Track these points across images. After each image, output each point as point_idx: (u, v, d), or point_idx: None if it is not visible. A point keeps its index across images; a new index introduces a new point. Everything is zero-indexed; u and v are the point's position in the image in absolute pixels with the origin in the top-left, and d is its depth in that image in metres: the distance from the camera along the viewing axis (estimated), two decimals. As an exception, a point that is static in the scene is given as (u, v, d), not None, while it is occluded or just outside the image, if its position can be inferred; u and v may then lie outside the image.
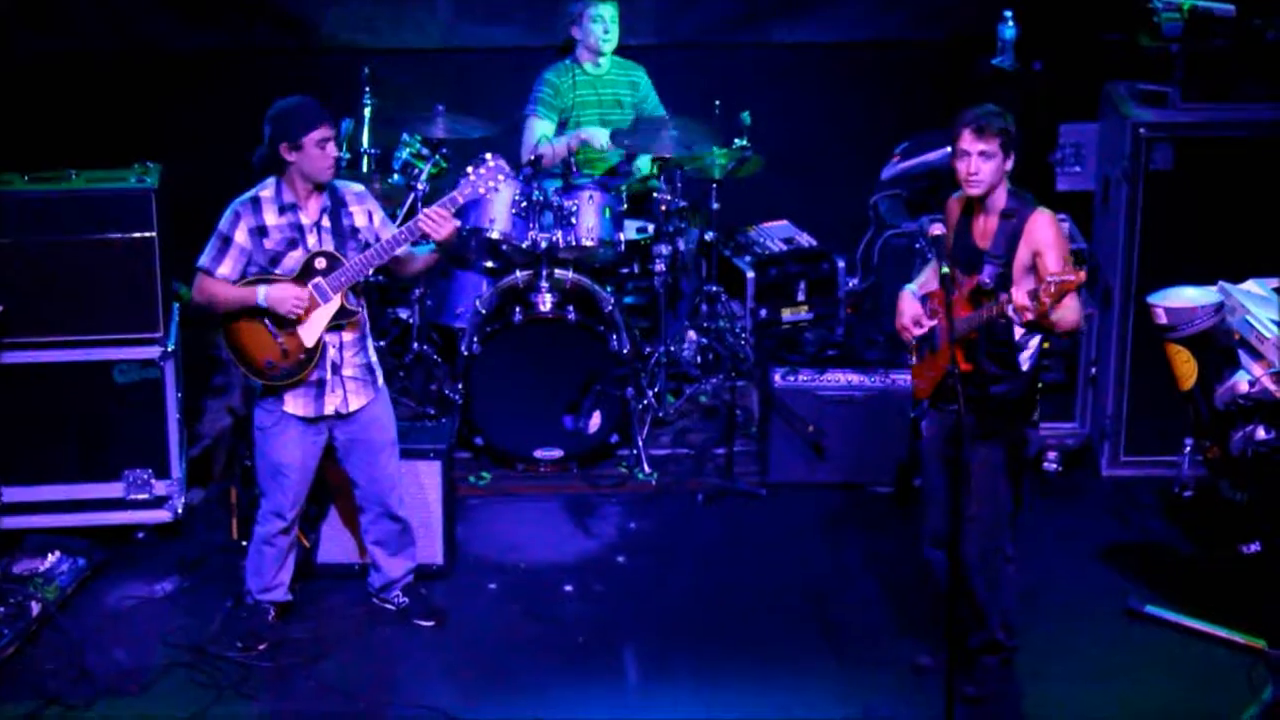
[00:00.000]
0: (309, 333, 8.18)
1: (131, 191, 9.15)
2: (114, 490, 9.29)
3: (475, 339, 9.92)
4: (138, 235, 9.13)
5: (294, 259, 8.16)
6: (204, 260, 8.18)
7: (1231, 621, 8.51)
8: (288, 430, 8.33)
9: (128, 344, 9.18)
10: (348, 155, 10.36)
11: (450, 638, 8.73)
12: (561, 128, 10.59)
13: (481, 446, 10.03)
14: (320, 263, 8.15)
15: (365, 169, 10.37)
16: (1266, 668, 8.24)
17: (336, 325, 8.22)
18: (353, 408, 8.34)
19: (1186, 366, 8.27)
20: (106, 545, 9.23)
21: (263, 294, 8.11)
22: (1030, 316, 7.39)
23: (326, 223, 8.18)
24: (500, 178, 8.39)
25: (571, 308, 9.88)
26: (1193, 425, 8.42)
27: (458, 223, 8.24)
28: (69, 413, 9.20)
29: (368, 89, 10.47)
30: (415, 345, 10.31)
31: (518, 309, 9.88)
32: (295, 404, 8.29)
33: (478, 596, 9.04)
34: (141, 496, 9.32)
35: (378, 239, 8.21)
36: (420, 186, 10.09)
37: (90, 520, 9.27)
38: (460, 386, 9.95)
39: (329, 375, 8.26)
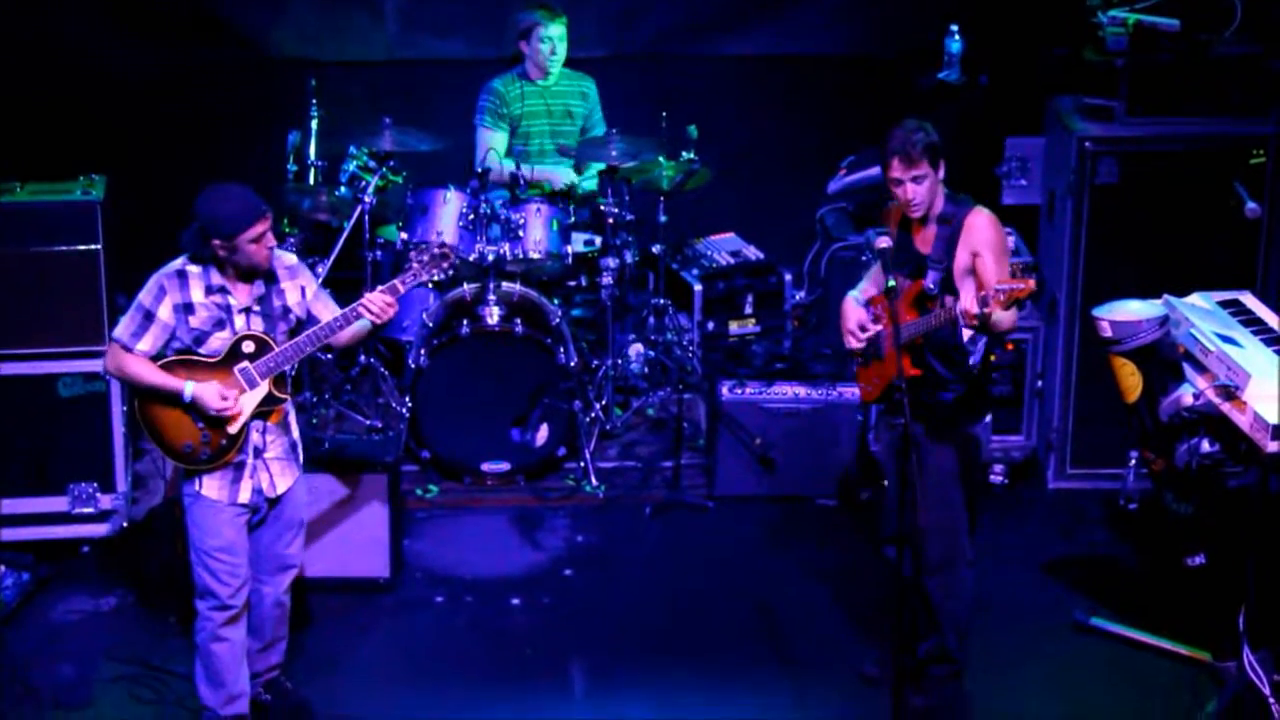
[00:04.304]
0: (233, 420, 7.64)
1: (76, 204, 9.12)
2: (59, 504, 9.26)
3: (422, 352, 9.90)
4: (82, 248, 9.10)
5: (220, 340, 7.60)
6: (121, 333, 7.60)
7: (1177, 634, 8.55)
8: (211, 511, 7.75)
9: (72, 357, 9.14)
10: (294, 167, 10.35)
11: (397, 651, 8.71)
12: (512, 135, 10.59)
13: (429, 459, 10.01)
14: (248, 346, 7.60)
15: (312, 181, 10.35)
16: (1211, 679, 8.29)
17: (262, 413, 7.69)
18: (280, 490, 7.80)
19: (1131, 379, 8.30)
20: (51, 559, 9.20)
21: (190, 390, 7.53)
22: (975, 322, 7.43)
23: (257, 306, 7.63)
24: (445, 265, 7.75)
25: (519, 320, 9.87)
26: (1138, 438, 8.44)
27: (396, 308, 7.67)
28: (13, 426, 9.16)
29: (314, 101, 10.43)
30: (362, 358, 10.28)
31: (465, 322, 9.87)
32: (211, 487, 7.70)
33: (424, 609, 9.02)
34: (86, 510, 9.28)
35: (309, 315, 7.75)
36: (367, 199, 10.08)
37: (35, 534, 9.23)
38: (407, 399, 9.93)
39: (250, 459, 7.70)
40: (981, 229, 7.73)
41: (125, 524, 9.35)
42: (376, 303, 7.62)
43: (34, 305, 9.10)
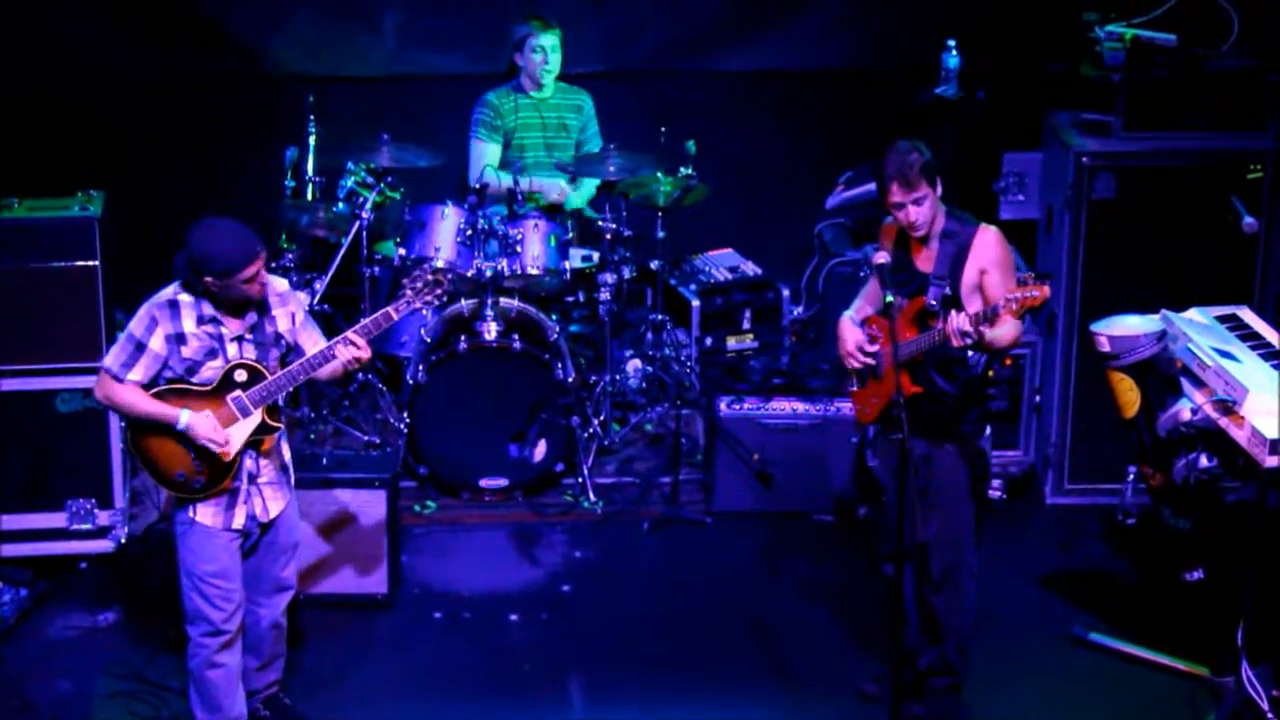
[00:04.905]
0: (227, 448, 7.60)
1: (74, 220, 9.12)
2: (57, 520, 9.25)
3: (420, 368, 9.90)
4: (80, 264, 9.10)
5: (213, 369, 7.54)
6: (111, 363, 7.55)
7: (1174, 649, 8.54)
8: (205, 537, 7.70)
9: (71, 373, 9.13)
10: (292, 183, 10.35)
11: (395, 667, 8.71)
12: (506, 148, 10.60)
13: (427, 475, 10.01)
14: (241, 375, 7.54)
15: (310, 197, 10.34)
16: (1210, 694, 8.29)
17: (254, 441, 7.64)
18: (272, 514, 7.78)
19: (1130, 394, 8.30)
20: (49, 575, 9.19)
21: (184, 420, 7.49)
22: (972, 340, 7.43)
23: (250, 334, 7.58)
24: (439, 291, 7.72)
25: (517, 336, 9.87)
26: (1136, 453, 8.44)
27: (368, 354, 7.61)
28: (11, 442, 9.15)
29: (312, 116, 10.43)
30: (360, 374, 10.27)
31: (463, 338, 9.87)
32: (205, 514, 7.65)
33: (422, 625, 9.02)
34: (84, 527, 9.28)
35: (297, 344, 7.70)
36: (365, 215, 10.08)
37: (33, 550, 9.22)
38: (405, 415, 9.92)
39: (244, 485, 7.66)
40: (991, 246, 7.73)
41: (123, 540, 9.34)
42: (354, 342, 7.57)
43: (32, 321, 9.09)
